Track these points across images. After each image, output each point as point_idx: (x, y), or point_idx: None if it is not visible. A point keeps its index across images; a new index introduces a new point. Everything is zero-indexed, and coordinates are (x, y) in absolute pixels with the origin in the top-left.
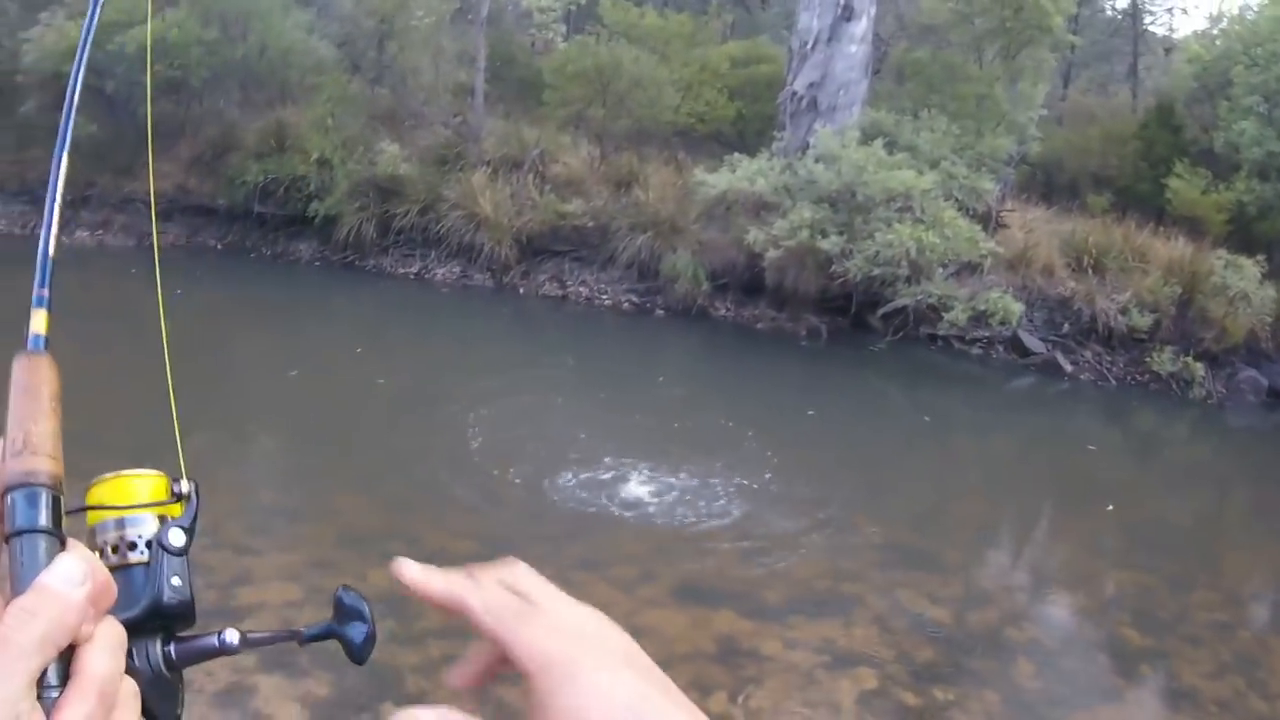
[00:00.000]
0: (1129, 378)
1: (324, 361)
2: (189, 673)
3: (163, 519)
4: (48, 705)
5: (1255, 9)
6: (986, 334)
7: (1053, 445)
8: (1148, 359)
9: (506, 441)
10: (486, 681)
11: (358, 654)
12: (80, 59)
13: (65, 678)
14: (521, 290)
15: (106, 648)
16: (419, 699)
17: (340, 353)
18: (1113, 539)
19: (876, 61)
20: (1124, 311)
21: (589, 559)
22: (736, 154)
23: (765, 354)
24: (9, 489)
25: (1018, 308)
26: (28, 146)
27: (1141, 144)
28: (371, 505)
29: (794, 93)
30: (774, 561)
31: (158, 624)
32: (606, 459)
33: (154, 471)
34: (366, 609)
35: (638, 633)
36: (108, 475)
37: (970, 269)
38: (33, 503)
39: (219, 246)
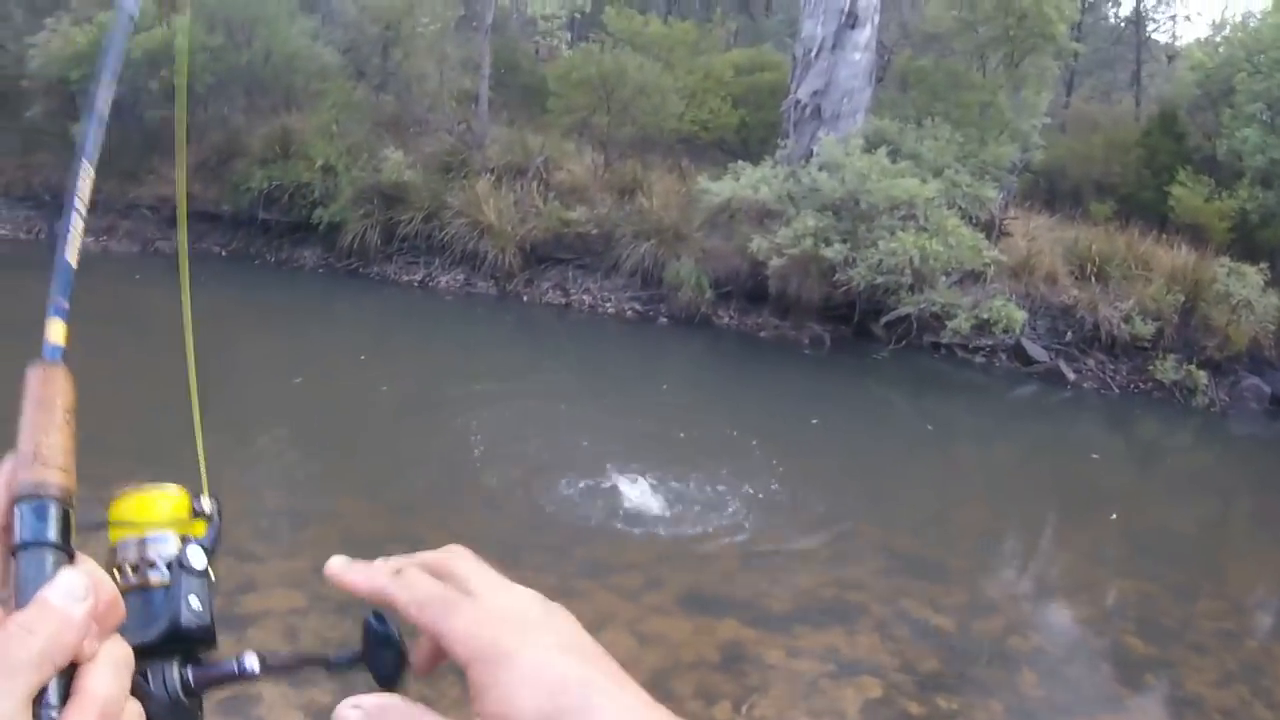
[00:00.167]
0: (1132, 386)
1: (328, 367)
2: None
3: (184, 537)
4: None
5: (1258, 16)
6: (989, 342)
7: (1056, 453)
8: (1151, 367)
9: (510, 448)
10: (430, 670)
11: (387, 683)
12: (107, 68)
13: (66, 697)
14: (525, 298)
15: (110, 667)
16: (422, 703)
17: (344, 359)
18: (1116, 547)
19: (880, 69)
20: (1127, 319)
21: (593, 566)
22: (740, 162)
23: (768, 362)
24: (18, 500)
25: (1021, 316)
26: (33, 151)
27: (1144, 151)
28: (375, 511)
29: (798, 100)
30: (778, 570)
31: (176, 647)
32: (610, 466)
33: (176, 487)
34: (396, 632)
35: (642, 640)
36: (129, 489)
37: (973, 277)
38: (41, 515)
39: (223, 253)
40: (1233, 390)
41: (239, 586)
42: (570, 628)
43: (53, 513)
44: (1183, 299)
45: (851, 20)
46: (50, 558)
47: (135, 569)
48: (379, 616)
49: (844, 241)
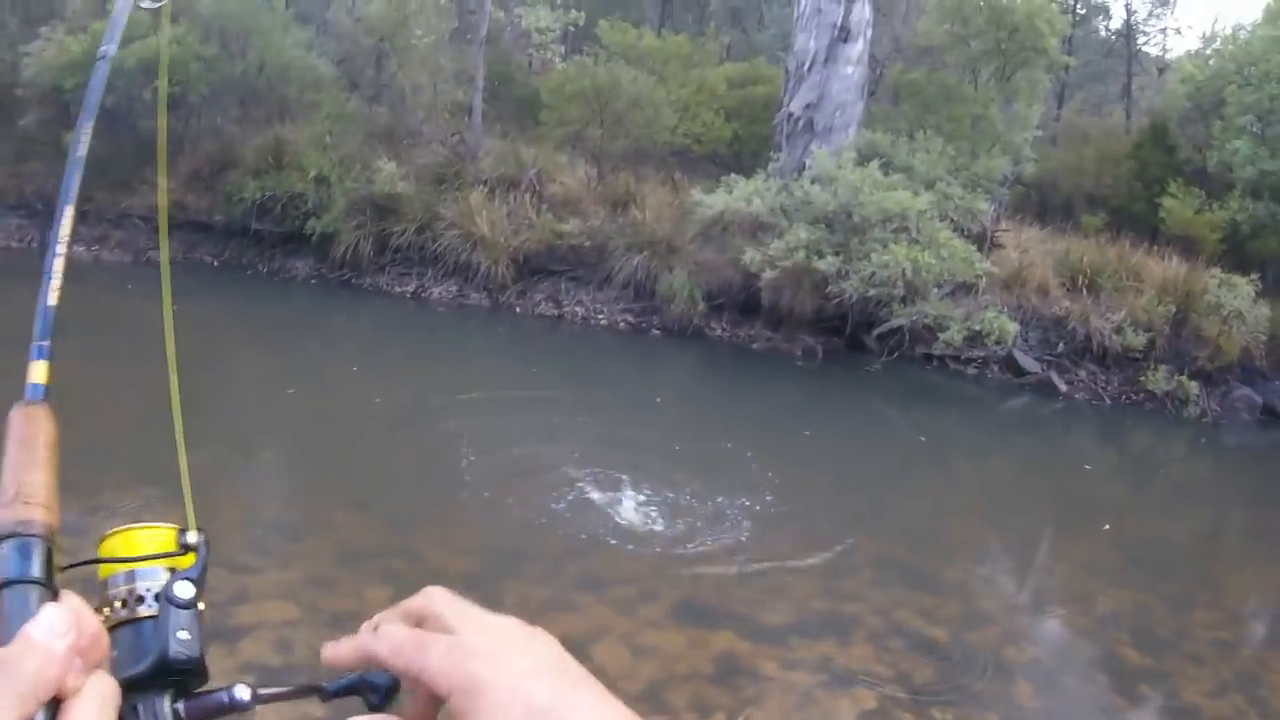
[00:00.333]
0: (1124, 397)
1: (321, 379)
2: None
3: (172, 570)
4: None
5: (1249, 29)
6: (982, 354)
7: (1049, 465)
8: (1142, 378)
9: (503, 460)
10: (432, 716)
11: (382, 704)
12: (87, 114)
13: None
14: (518, 309)
15: (95, 701)
16: None
17: (337, 370)
18: (1110, 558)
19: (872, 83)
20: (1118, 330)
21: (588, 579)
22: (733, 174)
23: (761, 374)
24: (2, 539)
25: (1013, 327)
26: (26, 160)
27: (1135, 164)
28: (369, 523)
29: (790, 114)
30: (772, 581)
31: (167, 680)
32: (604, 478)
33: (164, 524)
34: None
35: (637, 653)
36: (119, 527)
37: (965, 289)
38: (25, 553)
39: (215, 263)
40: (1224, 401)
41: (232, 598)
42: (548, 651)
43: (36, 550)
44: (1174, 310)
45: (844, 34)
46: (34, 594)
47: (124, 603)
48: None
49: (836, 254)
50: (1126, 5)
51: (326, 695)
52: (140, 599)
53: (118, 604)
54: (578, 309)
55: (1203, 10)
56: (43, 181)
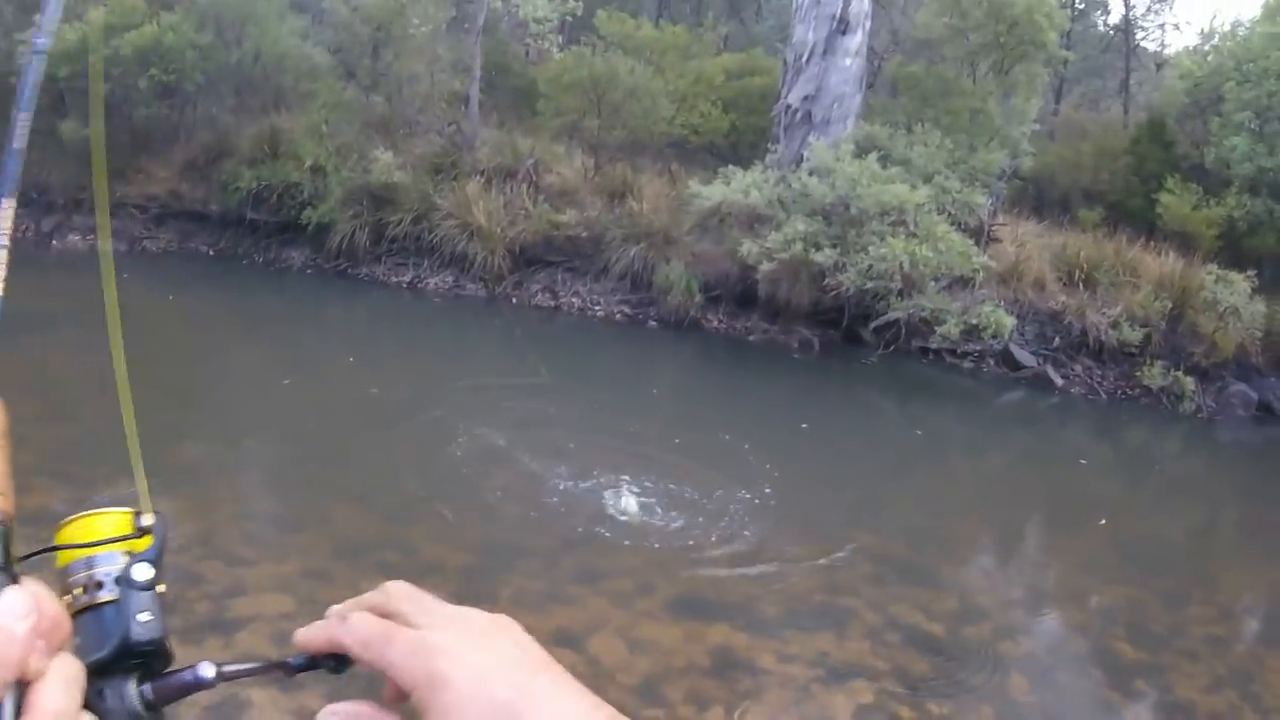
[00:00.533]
0: (1119, 392)
1: (317, 370)
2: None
3: (130, 554)
4: None
5: (1247, 25)
6: (978, 347)
7: (1044, 459)
8: (1138, 373)
9: (500, 452)
10: (403, 702)
11: (339, 670)
12: (24, 103)
13: (19, 716)
14: (514, 300)
15: (60, 683)
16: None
17: (333, 361)
18: (1105, 553)
19: (871, 75)
20: (1115, 326)
21: (584, 572)
22: (730, 166)
23: (757, 366)
24: None
25: (1009, 321)
26: None
27: (1133, 159)
28: (365, 515)
29: (788, 105)
30: (769, 575)
31: (131, 662)
32: (600, 470)
33: (119, 509)
34: None
35: (634, 646)
36: (74, 516)
37: (962, 283)
38: None
39: (211, 252)
40: (1220, 396)
41: (228, 590)
42: (510, 643)
43: None
44: (1170, 306)
45: (843, 26)
46: None
47: (85, 589)
48: None
49: (834, 246)
50: (1125, 0)
51: (290, 670)
52: (100, 584)
53: (78, 591)
54: (574, 300)
55: (1201, 6)
56: (37, 171)
